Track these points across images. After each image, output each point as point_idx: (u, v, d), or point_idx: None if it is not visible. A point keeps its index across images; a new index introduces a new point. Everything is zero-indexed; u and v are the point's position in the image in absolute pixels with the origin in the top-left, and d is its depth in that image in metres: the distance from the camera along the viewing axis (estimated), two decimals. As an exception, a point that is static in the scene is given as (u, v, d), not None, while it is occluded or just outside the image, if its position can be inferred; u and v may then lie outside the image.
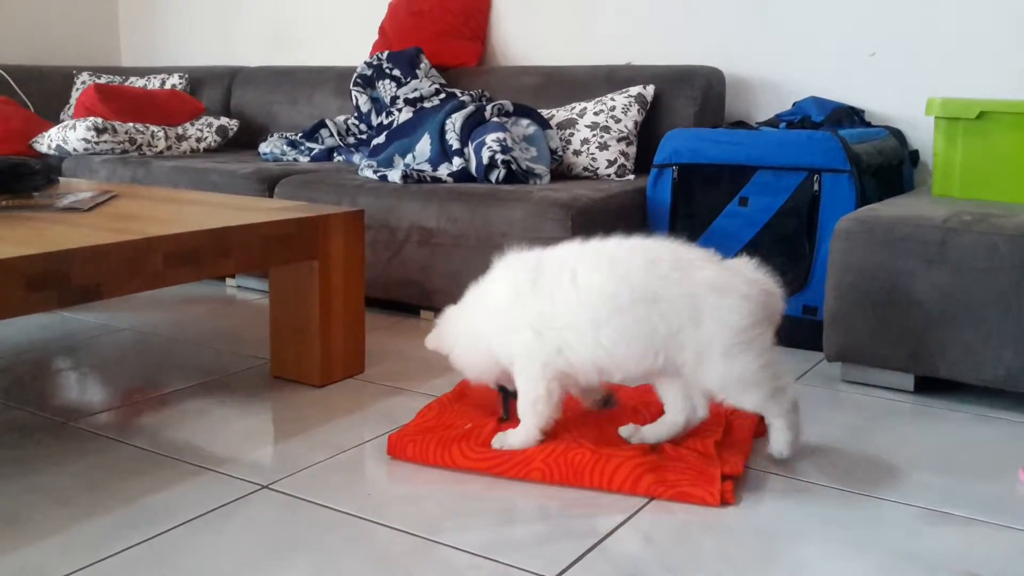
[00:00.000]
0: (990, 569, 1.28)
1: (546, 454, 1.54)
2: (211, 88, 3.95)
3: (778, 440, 1.58)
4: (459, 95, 3.08)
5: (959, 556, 1.31)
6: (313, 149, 3.29)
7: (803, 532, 1.38)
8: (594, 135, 2.80)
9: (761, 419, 1.75)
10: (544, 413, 1.56)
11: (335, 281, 1.98)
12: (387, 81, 3.27)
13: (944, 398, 1.99)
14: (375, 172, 2.75)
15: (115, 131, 3.32)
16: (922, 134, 2.73)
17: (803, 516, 1.43)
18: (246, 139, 3.75)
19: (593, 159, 2.79)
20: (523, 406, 1.57)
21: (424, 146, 2.81)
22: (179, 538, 1.32)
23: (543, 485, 1.52)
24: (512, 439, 1.58)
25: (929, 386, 2.03)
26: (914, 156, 2.73)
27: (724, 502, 1.45)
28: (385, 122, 3.16)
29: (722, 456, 1.56)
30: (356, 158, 3.21)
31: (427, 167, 2.75)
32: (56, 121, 3.77)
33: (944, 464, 1.64)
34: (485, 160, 2.60)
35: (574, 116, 2.87)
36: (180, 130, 3.54)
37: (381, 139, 2.99)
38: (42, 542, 1.30)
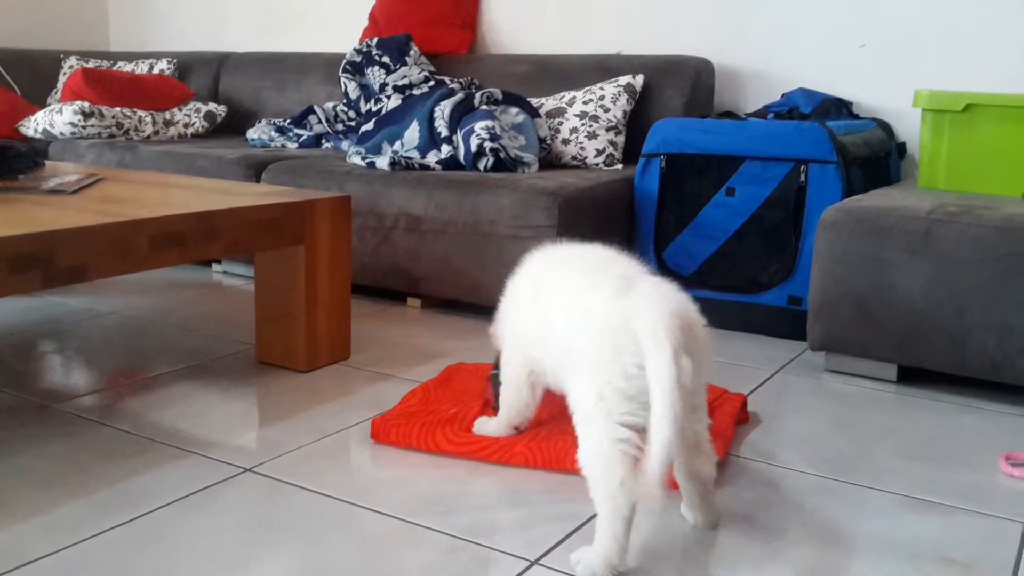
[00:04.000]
0: (968, 556, 1.29)
1: (528, 439, 1.55)
2: (199, 73, 3.93)
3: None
4: (448, 83, 3.07)
5: (938, 543, 1.32)
6: (301, 135, 3.28)
7: (783, 518, 1.39)
8: (583, 124, 2.80)
9: (742, 406, 1.76)
10: (515, 408, 1.55)
11: (321, 266, 1.98)
12: (376, 68, 3.26)
13: (927, 388, 2.00)
14: (363, 159, 2.74)
15: (102, 115, 3.30)
16: (909, 126, 2.74)
17: (784, 502, 1.44)
18: (234, 125, 3.73)
19: (582, 148, 2.79)
20: (502, 397, 1.58)
21: (413, 133, 2.81)
22: (161, 520, 1.32)
23: (525, 471, 1.52)
24: (488, 427, 1.59)
25: (912, 376, 2.04)
26: (901, 148, 2.74)
27: None
28: (374, 109, 3.16)
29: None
30: (344, 145, 3.20)
31: (415, 154, 2.75)
32: (43, 105, 3.75)
33: (925, 453, 1.65)
34: (473, 148, 2.60)
35: (563, 105, 2.87)
36: (168, 115, 3.52)
37: (370, 126, 2.98)
38: (23, 523, 1.30)
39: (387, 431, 1.61)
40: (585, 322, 1.24)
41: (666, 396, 1.11)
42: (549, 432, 1.57)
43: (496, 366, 1.79)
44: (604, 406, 1.19)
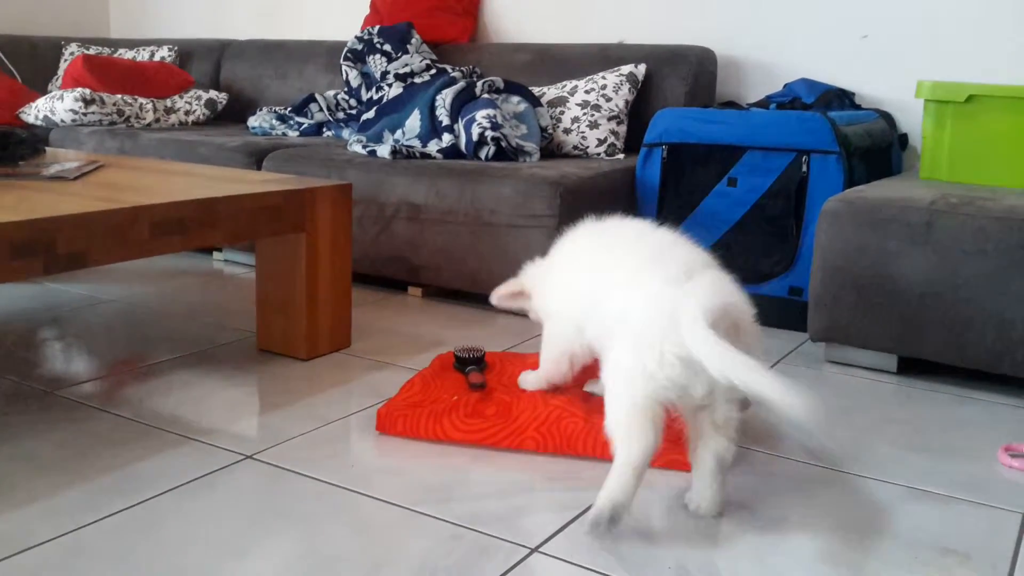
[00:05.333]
0: (967, 546, 1.29)
1: (538, 423, 1.55)
2: (201, 61, 3.93)
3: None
4: (450, 71, 3.06)
5: (937, 533, 1.33)
6: (302, 123, 3.28)
7: (783, 507, 1.39)
8: (584, 113, 2.79)
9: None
10: (554, 376, 1.64)
11: (322, 254, 1.98)
12: (378, 56, 3.25)
13: (927, 379, 2.00)
14: (364, 147, 2.74)
15: (103, 102, 3.30)
16: (912, 117, 2.73)
17: (783, 491, 1.44)
18: (235, 113, 3.73)
19: (583, 137, 2.78)
20: (543, 356, 1.65)
21: (414, 122, 2.80)
22: (162, 506, 1.33)
23: (526, 459, 1.53)
24: (528, 379, 1.70)
25: (912, 367, 2.04)
26: (903, 139, 2.74)
27: None
28: (375, 97, 3.15)
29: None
30: (345, 133, 3.20)
31: (416, 143, 2.74)
32: (44, 92, 3.74)
33: (925, 444, 1.66)
34: (475, 137, 2.59)
35: (565, 94, 2.86)
36: (169, 102, 3.51)
37: (371, 114, 2.98)
38: (24, 508, 1.30)
39: (393, 422, 1.60)
40: (640, 303, 1.30)
41: (722, 369, 1.15)
42: (559, 416, 1.57)
43: (462, 351, 1.84)
44: (638, 383, 1.25)
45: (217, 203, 1.74)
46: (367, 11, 3.57)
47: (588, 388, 1.73)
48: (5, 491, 1.36)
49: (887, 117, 2.70)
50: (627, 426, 1.26)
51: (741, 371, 1.14)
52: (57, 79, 3.87)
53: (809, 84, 2.77)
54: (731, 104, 2.77)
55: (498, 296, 1.76)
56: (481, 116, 2.61)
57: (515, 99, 2.77)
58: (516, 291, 1.74)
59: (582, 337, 1.52)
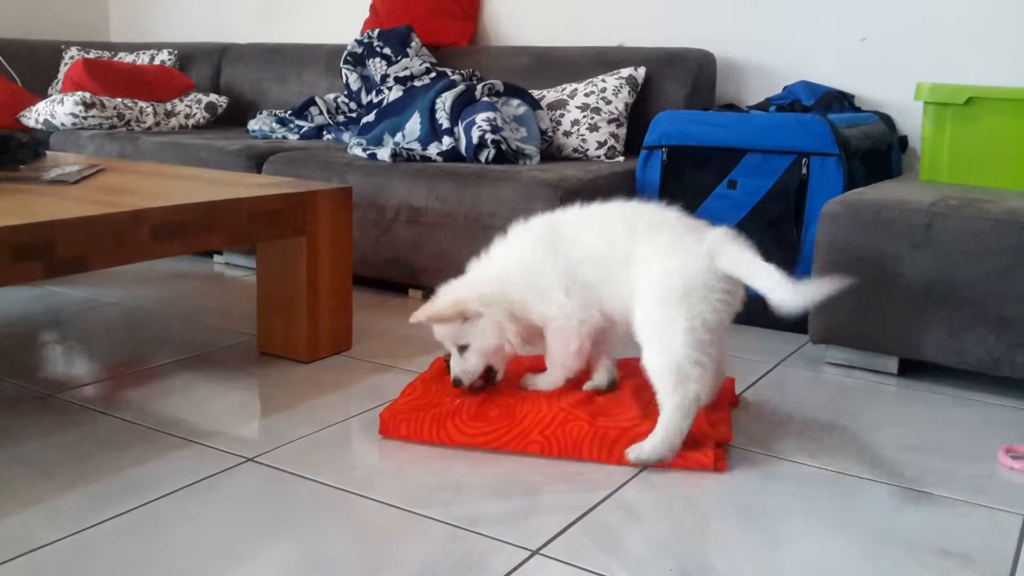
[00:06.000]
0: (968, 548, 1.29)
1: (543, 426, 1.55)
2: (200, 64, 3.93)
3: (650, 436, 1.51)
4: (450, 74, 3.07)
5: (937, 534, 1.33)
6: (302, 127, 3.28)
7: (784, 509, 1.39)
8: (584, 116, 2.80)
9: (732, 388, 1.80)
10: (572, 367, 1.69)
11: (323, 257, 1.98)
12: (377, 59, 3.25)
13: (927, 381, 2.00)
14: (364, 150, 2.74)
15: (103, 106, 3.30)
16: (911, 119, 2.74)
17: (784, 493, 1.44)
18: (235, 116, 3.73)
19: (583, 140, 2.79)
20: (553, 353, 1.68)
21: (414, 125, 2.80)
22: (163, 508, 1.33)
23: (528, 462, 1.53)
24: (541, 381, 1.72)
25: (912, 369, 2.05)
26: (903, 141, 2.74)
27: (717, 468, 1.49)
28: (375, 100, 3.15)
29: (711, 423, 1.58)
30: (345, 136, 3.20)
31: (417, 146, 2.75)
32: (44, 95, 3.74)
33: (925, 445, 1.66)
34: (475, 139, 2.60)
35: (565, 97, 2.86)
36: (169, 106, 3.52)
37: (371, 117, 2.98)
38: (26, 511, 1.31)
39: (396, 425, 1.60)
40: (681, 265, 1.50)
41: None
42: (564, 419, 1.57)
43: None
44: (694, 335, 1.46)
45: (217, 207, 1.74)
46: (367, 14, 3.57)
47: (589, 387, 1.73)
48: (7, 494, 1.36)
49: (887, 119, 2.70)
50: (681, 382, 1.45)
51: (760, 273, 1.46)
52: (57, 83, 3.87)
53: (809, 87, 2.77)
54: (731, 107, 2.77)
55: (428, 318, 1.68)
56: (481, 119, 2.62)
57: (515, 102, 2.77)
58: (459, 312, 1.67)
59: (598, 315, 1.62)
